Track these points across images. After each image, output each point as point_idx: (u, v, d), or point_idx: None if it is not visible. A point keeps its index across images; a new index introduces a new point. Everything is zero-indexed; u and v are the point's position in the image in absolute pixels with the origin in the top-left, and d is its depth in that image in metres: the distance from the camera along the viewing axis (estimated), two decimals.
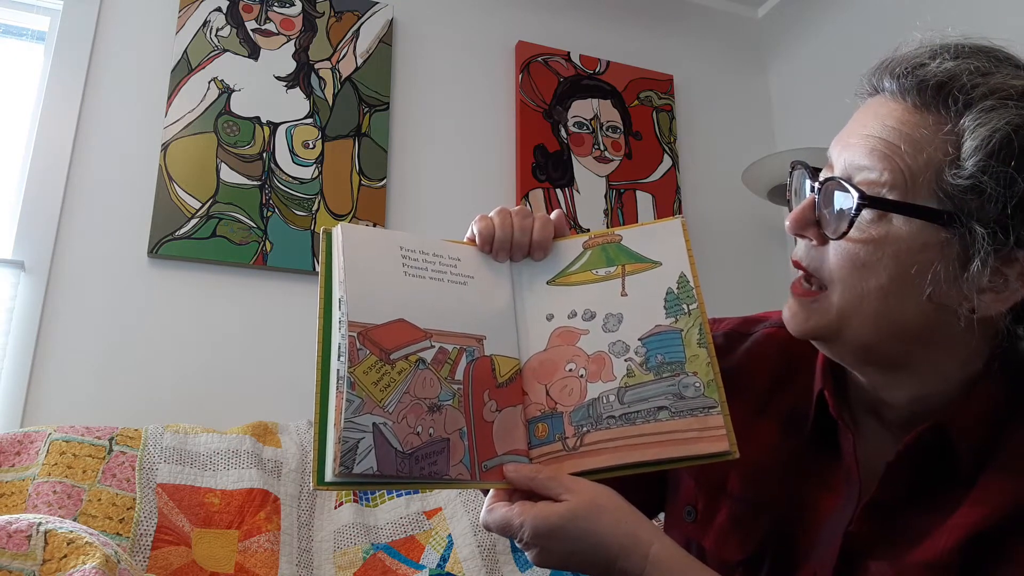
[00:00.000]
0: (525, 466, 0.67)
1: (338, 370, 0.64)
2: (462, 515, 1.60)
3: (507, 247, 0.74)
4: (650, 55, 2.61)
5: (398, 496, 1.65)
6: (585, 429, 0.69)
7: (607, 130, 2.45)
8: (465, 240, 0.76)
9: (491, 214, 0.76)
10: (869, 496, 0.66)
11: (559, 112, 2.40)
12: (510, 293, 0.75)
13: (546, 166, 2.33)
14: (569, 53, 2.47)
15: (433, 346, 0.69)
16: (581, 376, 0.71)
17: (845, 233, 0.62)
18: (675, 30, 2.70)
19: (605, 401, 0.69)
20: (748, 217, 2.53)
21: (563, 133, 2.39)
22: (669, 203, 2.44)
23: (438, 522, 1.62)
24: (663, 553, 0.63)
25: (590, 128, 2.43)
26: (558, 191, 2.32)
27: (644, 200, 2.42)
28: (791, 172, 0.71)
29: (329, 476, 0.62)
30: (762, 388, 0.77)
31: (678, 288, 0.72)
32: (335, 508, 1.62)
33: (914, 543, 0.63)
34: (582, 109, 2.43)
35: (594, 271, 0.75)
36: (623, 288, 0.73)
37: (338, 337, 0.66)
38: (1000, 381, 0.65)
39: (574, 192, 2.34)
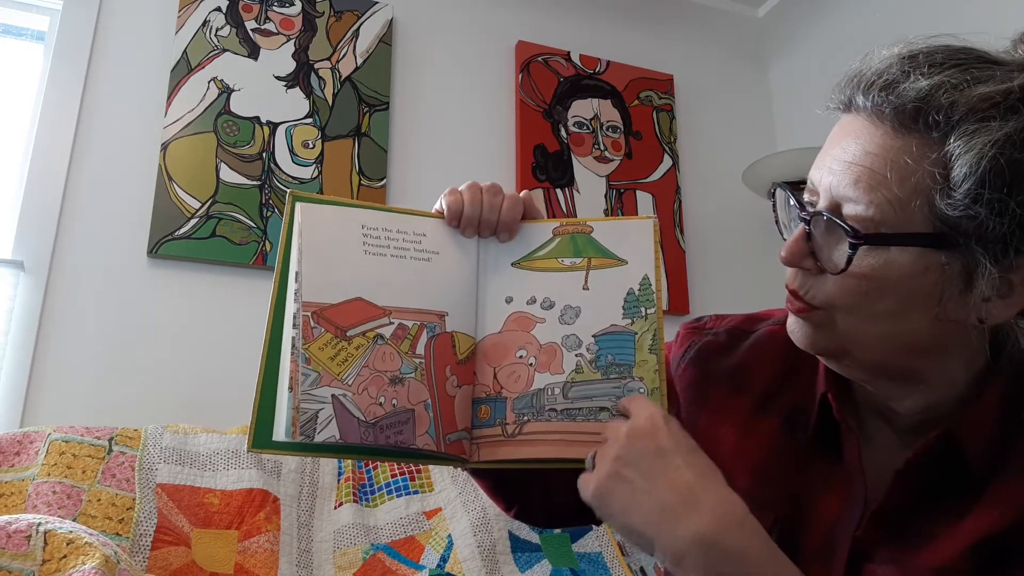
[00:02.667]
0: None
1: (293, 338, 0.65)
2: (462, 515, 1.60)
3: (475, 223, 0.74)
4: (650, 55, 2.61)
5: (398, 496, 1.65)
6: (526, 418, 0.69)
7: (607, 130, 2.45)
8: (434, 211, 0.76)
9: (461, 188, 0.75)
10: (878, 504, 0.66)
11: (559, 112, 2.40)
12: (474, 270, 0.75)
13: (546, 166, 2.33)
14: (569, 53, 2.47)
15: (392, 322, 0.69)
16: (530, 364, 0.71)
17: (844, 270, 0.61)
18: (675, 30, 2.69)
19: (550, 393, 0.70)
20: (748, 217, 2.53)
21: (563, 133, 2.39)
22: (669, 203, 2.44)
23: (438, 522, 1.62)
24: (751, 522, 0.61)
25: (590, 128, 2.43)
26: (558, 191, 2.32)
27: (644, 200, 2.42)
28: (773, 194, 0.71)
29: (282, 438, 0.63)
30: (764, 385, 0.77)
31: (639, 290, 0.72)
32: (335, 508, 1.61)
33: (922, 547, 0.63)
34: (582, 109, 2.43)
35: (560, 260, 0.74)
36: (586, 281, 0.73)
37: (293, 307, 0.67)
38: (1005, 380, 0.65)
39: (574, 192, 2.34)
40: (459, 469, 0.83)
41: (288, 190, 0.75)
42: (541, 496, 0.84)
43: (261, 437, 0.65)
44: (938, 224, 0.58)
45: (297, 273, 0.68)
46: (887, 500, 0.66)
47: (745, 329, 0.82)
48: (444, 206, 0.75)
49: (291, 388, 0.64)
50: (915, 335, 0.62)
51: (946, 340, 0.63)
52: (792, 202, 0.67)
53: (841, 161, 0.62)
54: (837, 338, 0.65)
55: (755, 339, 0.81)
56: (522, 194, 0.77)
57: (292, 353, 0.65)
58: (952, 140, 0.57)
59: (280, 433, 0.63)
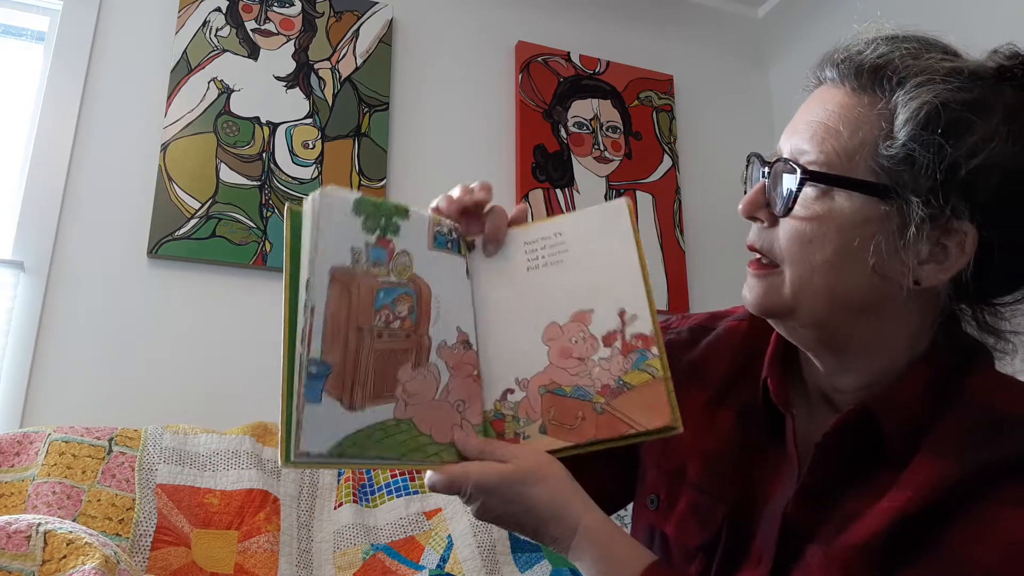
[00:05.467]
0: (474, 438, 0.69)
1: (300, 353, 0.65)
2: (462, 515, 1.60)
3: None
4: (650, 55, 2.61)
5: (398, 496, 1.65)
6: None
7: (607, 130, 2.45)
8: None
9: (453, 192, 0.77)
10: (802, 480, 0.68)
11: (559, 112, 2.40)
12: (470, 282, 0.76)
13: (546, 166, 2.33)
14: (569, 53, 2.47)
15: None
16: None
17: (790, 209, 0.66)
18: (675, 30, 2.69)
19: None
20: None
21: (563, 133, 2.39)
22: (669, 203, 2.44)
23: (438, 522, 1.62)
24: (593, 525, 0.66)
25: (590, 128, 2.43)
26: (558, 191, 2.32)
27: (644, 200, 2.42)
28: (747, 165, 0.74)
29: (316, 448, 0.63)
30: (721, 379, 0.79)
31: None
32: (335, 509, 1.62)
33: (846, 526, 0.64)
34: (582, 109, 2.43)
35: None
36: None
37: (302, 321, 0.66)
38: (938, 364, 0.66)
39: (574, 192, 2.34)
40: None
41: (287, 203, 0.75)
42: None
43: (293, 451, 0.64)
44: (880, 174, 0.62)
45: (308, 280, 0.68)
46: (810, 476, 0.67)
47: (707, 326, 0.85)
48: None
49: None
50: (852, 289, 0.65)
51: (882, 300, 0.65)
52: (757, 163, 0.71)
53: (803, 122, 0.67)
54: (784, 296, 0.68)
55: (714, 335, 0.83)
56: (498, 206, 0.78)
57: (299, 365, 0.65)
58: (899, 94, 0.62)
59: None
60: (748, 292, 0.72)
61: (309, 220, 0.69)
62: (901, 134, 0.61)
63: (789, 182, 0.66)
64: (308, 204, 0.69)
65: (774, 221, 0.69)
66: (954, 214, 0.61)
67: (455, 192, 0.76)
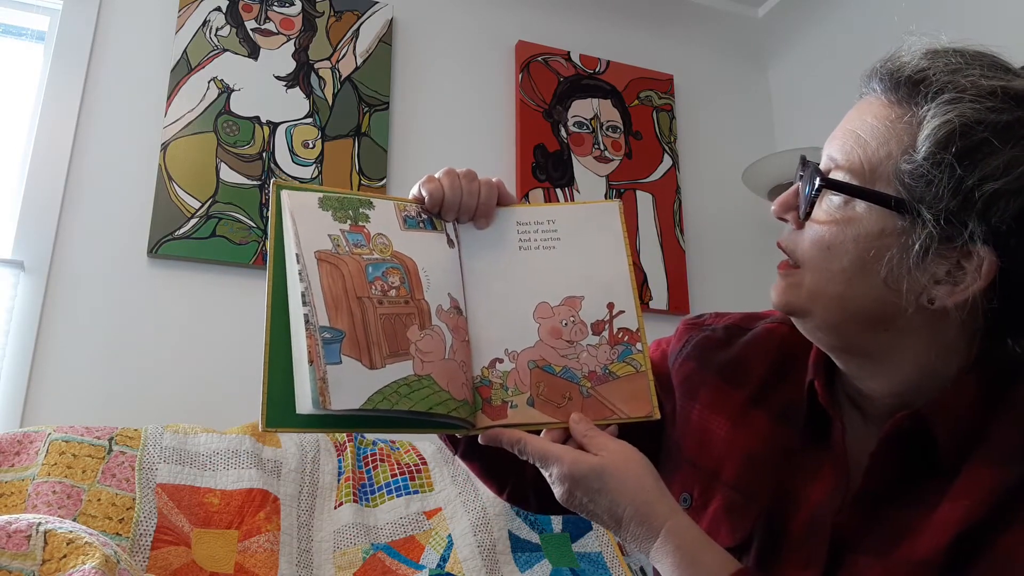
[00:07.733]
0: (585, 421, 0.72)
1: (305, 315, 0.67)
2: (462, 515, 1.60)
3: (455, 209, 0.77)
4: (650, 55, 2.61)
5: (398, 496, 1.65)
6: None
7: (607, 130, 2.45)
8: (411, 198, 0.79)
9: (438, 175, 0.78)
10: (857, 488, 0.67)
11: (559, 112, 2.40)
12: (456, 256, 0.78)
13: (546, 166, 2.33)
14: (569, 53, 2.47)
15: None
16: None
17: (808, 215, 0.67)
18: (675, 30, 2.69)
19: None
20: (748, 217, 2.53)
21: (563, 133, 2.39)
22: (669, 203, 2.44)
23: (438, 522, 1.62)
24: (677, 528, 0.67)
25: (590, 128, 2.43)
26: (558, 191, 2.32)
27: (644, 200, 2.42)
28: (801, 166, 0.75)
29: (309, 409, 0.64)
30: (758, 380, 0.79)
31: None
32: (335, 508, 1.61)
33: (901, 538, 0.63)
34: (582, 109, 2.43)
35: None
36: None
37: (299, 286, 0.68)
38: (987, 375, 0.66)
39: (574, 192, 2.34)
40: (457, 451, 0.86)
41: (273, 179, 0.78)
42: (532, 477, 0.85)
43: (276, 415, 0.65)
44: (899, 188, 0.62)
45: (298, 255, 0.69)
46: (864, 483, 0.67)
47: (743, 326, 0.85)
48: (425, 193, 0.77)
49: (311, 361, 0.65)
50: (863, 300, 0.65)
51: (892, 314, 0.64)
52: (800, 167, 0.72)
53: (841, 130, 0.68)
54: (803, 296, 0.68)
55: (752, 336, 0.82)
56: (494, 180, 0.79)
57: (307, 328, 0.66)
58: (929, 109, 0.61)
59: (307, 406, 0.64)
60: (773, 290, 0.73)
61: (286, 212, 0.71)
62: (920, 152, 0.60)
63: (811, 188, 0.67)
64: (282, 197, 0.72)
65: (801, 224, 0.69)
66: (971, 237, 0.59)
67: (444, 181, 0.77)
